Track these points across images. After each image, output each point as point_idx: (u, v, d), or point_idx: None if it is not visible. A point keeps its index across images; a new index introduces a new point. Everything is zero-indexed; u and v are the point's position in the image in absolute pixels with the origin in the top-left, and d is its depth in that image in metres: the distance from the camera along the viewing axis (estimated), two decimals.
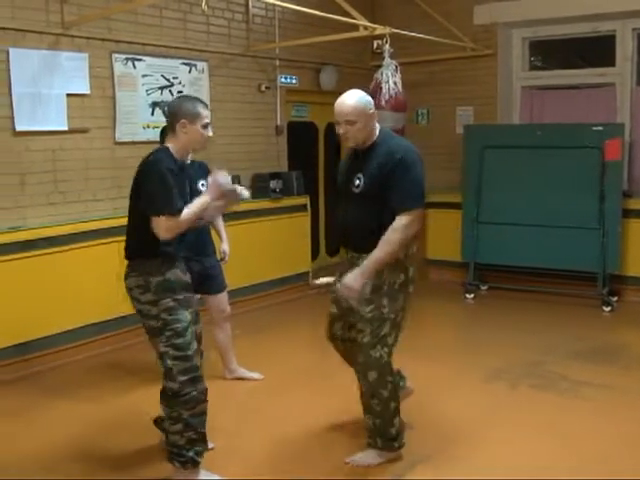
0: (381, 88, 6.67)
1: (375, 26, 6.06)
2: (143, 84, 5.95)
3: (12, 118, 5.04)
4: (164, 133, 3.66)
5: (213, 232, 4.75)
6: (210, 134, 3.35)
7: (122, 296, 3.53)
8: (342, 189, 3.59)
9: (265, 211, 6.92)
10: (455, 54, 7.82)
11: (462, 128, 7.80)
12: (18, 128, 5.07)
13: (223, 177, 3.32)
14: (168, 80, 6.16)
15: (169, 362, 3.21)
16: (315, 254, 7.99)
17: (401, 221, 3.30)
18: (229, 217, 5.32)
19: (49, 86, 5.24)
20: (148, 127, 5.95)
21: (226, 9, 6.72)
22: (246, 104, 7.00)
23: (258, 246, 6.80)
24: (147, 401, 3.89)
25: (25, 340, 5.03)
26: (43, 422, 4.18)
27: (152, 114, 5.98)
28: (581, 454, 3.69)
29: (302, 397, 4.52)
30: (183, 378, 3.19)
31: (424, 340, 5.66)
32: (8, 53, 4.98)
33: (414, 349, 5.00)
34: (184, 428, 3.23)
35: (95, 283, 5.33)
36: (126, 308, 4.05)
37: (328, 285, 3.77)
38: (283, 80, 7.39)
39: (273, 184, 7.04)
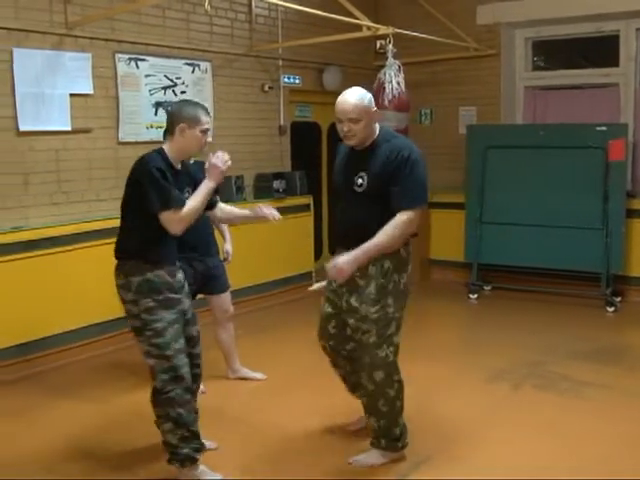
0: (384, 88, 6.68)
1: (378, 26, 6.07)
2: (146, 84, 5.96)
3: (15, 118, 5.05)
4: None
5: (216, 232, 4.76)
6: (209, 140, 3.36)
7: None
8: (341, 189, 3.56)
9: None
10: (458, 54, 7.82)
11: (465, 128, 7.79)
12: (21, 128, 5.08)
13: (216, 158, 3.33)
14: (171, 80, 6.16)
15: (151, 361, 3.28)
16: (318, 254, 7.98)
17: (402, 218, 3.29)
18: None
19: (52, 86, 5.25)
20: (151, 127, 5.96)
21: (229, 9, 6.72)
22: (249, 104, 7.01)
23: (261, 246, 6.80)
24: (149, 401, 3.88)
25: (28, 340, 5.03)
26: (45, 422, 4.19)
27: (155, 114, 5.99)
28: (582, 454, 3.69)
29: (305, 397, 4.52)
30: (164, 377, 3.24)
31: (427, 340, 5.66)
32: (12, 53, 4.99)
33: (417, 349, 5.00)
34: (175, 426, 3.27)
35: (98, 283, 5.32)
36: None
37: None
38: (286, 80, 7.40)
39: (276, 184, 7.04)
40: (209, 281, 4.55)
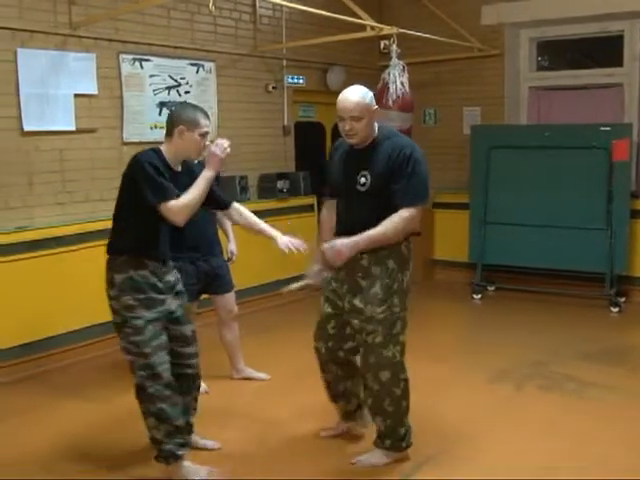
0: (388, 88, 6.68)
1: (382, 26, 6.06)
2: (150, 84, 5.96)
3: (20, 118, 5.06)
4: None
5: (220, 232, 4.76)
6: (208, 144, 3.36)
7: None
8: (342, 189, 3.55)
9: (272, 211, 6.90)
10: (462, 54, 7.81)
11: (469, 128, 7.78)
12: (26, 128, 5.10)
13: (215, 146, 3.32)
14: (175, 80, 6.17)
15: (129, 357, 3.30)
16: None
17: (404, 214, 3.29)
18: None
19: (57, 86, 5.26)
20: (155, 127, 5.96)
21: (233, 9, 6.73)
22: (253, 104, 7.01)
23: (265, 246, 6.76)
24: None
25: (32, 340, 5.04)
26: (49, 422, 4.19)
27: (159, 114, 5.99)
28: (584, 455, 3.68)
29: (309, 397, 4.51)
30: (142, 373, 3.26)
31: (430, 340, 5.65)
32: (16, 53, 5.00)
33: (420, 349, 4.98)
34: (157, 421, 3.29)
35: (102, 283, 5.27)
36: None
37: (307, 286, 3.71)
38: (290, 80, 7.40)
39: (280, 184, 7.04)
40: (213, 281, 4.56)
